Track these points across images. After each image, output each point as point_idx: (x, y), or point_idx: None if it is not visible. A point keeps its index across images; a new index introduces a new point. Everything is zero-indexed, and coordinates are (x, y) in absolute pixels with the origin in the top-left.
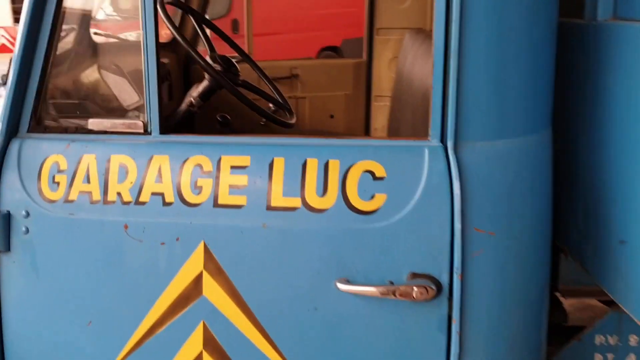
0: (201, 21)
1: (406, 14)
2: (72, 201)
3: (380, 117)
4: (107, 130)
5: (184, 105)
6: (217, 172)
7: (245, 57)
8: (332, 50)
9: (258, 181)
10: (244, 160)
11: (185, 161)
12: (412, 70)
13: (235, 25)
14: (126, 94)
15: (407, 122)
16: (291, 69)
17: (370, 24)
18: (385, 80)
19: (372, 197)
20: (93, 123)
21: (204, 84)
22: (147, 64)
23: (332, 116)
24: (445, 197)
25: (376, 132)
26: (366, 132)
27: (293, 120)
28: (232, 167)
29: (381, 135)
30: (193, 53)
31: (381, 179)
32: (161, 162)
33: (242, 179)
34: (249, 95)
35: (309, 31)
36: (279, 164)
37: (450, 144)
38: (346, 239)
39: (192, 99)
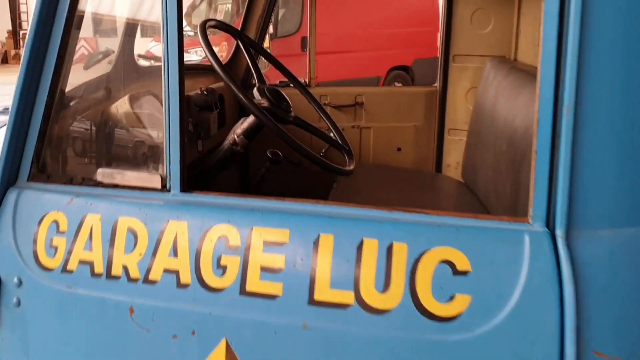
0: (250, 46)
1: (487, 39)
2: (70, 271)
3: (453, 153)
4: (119, 183)
5: (226, 143)
6: (246, 248)
7: (300, 87)
8: (403, 70)
9: (299, 264)
10: (281, 234)
11: (207, 231)
12: (495, 105)
13: (304, 42)
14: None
15: (488, 167)
16: (355, 96)
17: (446, 50)
18: (461, 112)
19: (452, 298)
20: (102, 174)
21: (250, 120)
22: (168, 102)
23: (399, 149)
24: (552, 305)
25: (448, 169)
26: (437, 168)
27: (351, 167)
28: (266, 243)
29: (465, 213)
30: (232, 86)
31: (464, 273)
32: (178, 229)
33: (278, 260)
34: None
35: (379, 50)
36: (327, 242)
37: (560, 231)
38: (414, 353)
39: (235, 137)
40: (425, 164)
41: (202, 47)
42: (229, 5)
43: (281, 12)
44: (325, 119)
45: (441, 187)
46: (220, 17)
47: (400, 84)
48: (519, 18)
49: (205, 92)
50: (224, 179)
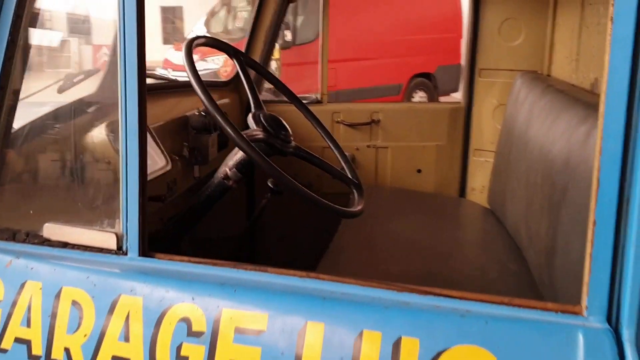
0: (248, 64)
1: (517, 52)
2: (4, 351)
3: (479, 176)
4: (68, 242)
5: (217, 177)
6: (213, 336)
7: (302, 108)
8: (425, 78)
9: None
10: (258, 319)
11: (166, 310)
12: (527, 128)
13: None
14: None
15: (519, 196)
16: (372, 113)
17: (472, 63)
18: (487, 132)
19: None
20: (50, 229)
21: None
22: (126, 136)
23: (419, 171)
24: None
25: (473, 193)
26: (461, 192)
27: (359, 207)
28: (239, 331)
29: (497, 297)
30: (215, 113)
31: None
32: (131, 307)
33: (252, 354)
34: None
35: (401, 57)
36: (316, 333)
37: (628, 331)
38: None
39: (227, 170)
40: (448, 187)
41: (185, 67)
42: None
43: (300, 19)
44: (331, 145)
45: (465, 215)
46: (239, 24)
47: (422, 92)
48: (553, 29)
49: (202, 113)
50: (221, 213)
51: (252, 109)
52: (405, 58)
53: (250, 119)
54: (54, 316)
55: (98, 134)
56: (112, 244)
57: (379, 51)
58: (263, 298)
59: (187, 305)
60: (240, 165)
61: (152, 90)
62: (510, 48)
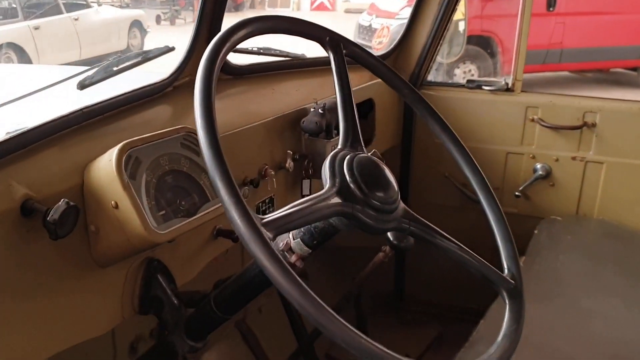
0: (349, 54)
1: None
2: None
3: None
4: None
5: (277, 244)
6: None
7: (428, 113)
8: None
9: None
10: None
11: None
12: None
13: (551, 1)
14: None
15: None
16: (584, 112)
17: None
18: None
19: None
20: None
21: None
22: None
23: None
24: None
25: None
26: None
27: (500, 353)
28: None
29: None
30: (207, 155)
31: None
32: None
33: None
34: None
35: None
36: None
37: None
38: None
39: (290, 239)
40: None
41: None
42: None
43: None
44: (474, 184)
45: None
46: None
47: None
48: None
49: (320, 110)
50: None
51: (340, 144)
52: None
53: (326, 166)
54: None
55: None
56: None
57: (621, 4)
58: None
59: None
60: (309, 236)
61: (260, 72)
62: None
